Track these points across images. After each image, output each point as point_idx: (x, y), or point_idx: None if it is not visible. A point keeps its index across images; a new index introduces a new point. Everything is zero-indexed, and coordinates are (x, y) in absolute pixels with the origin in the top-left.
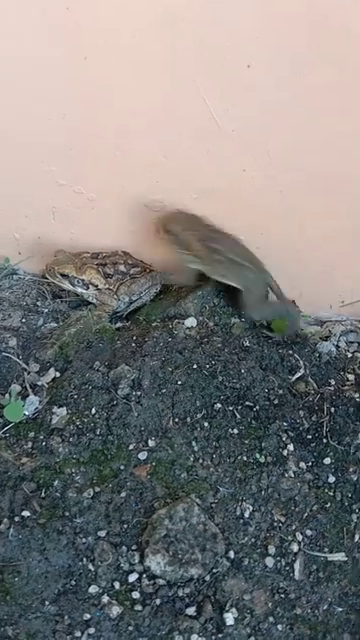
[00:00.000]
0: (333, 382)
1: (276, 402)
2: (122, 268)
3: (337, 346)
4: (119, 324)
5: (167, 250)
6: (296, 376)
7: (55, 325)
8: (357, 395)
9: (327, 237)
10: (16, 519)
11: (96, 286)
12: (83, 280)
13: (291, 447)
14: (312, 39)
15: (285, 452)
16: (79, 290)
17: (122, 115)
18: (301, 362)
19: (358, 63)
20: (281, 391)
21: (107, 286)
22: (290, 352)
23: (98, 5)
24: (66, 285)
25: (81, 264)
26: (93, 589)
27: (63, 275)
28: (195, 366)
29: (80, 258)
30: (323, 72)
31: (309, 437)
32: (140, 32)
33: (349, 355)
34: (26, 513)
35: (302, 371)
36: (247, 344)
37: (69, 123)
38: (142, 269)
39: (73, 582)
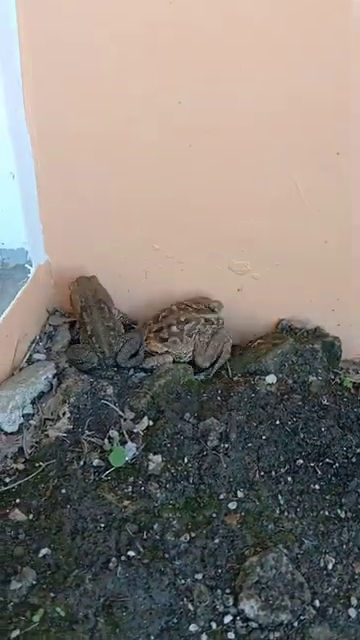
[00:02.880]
0: None
1: (354, 460)
2: (175, 329)
3: None
4: (202, 377)
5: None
6: None
7: (143, 375)
8: None
9: None
10: (122, 558)
11: (157, 352)
12: (146, 351)
13: None
14: None
15: None
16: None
17: (216, 195)
18: None
19: None
20: (359, 450)
21: (165, 349)
22: None
23: (206, 103)
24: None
25: (147, 335)
26: (193, 627)
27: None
28: (278, 422)
29: (145, 326)
30: None
31: None
32: (240, 130)
33: None
34: (131, 553)
35: None
36: (325, 402)
37: (169, 201)
38: (196, 322)
39: (175, 620)
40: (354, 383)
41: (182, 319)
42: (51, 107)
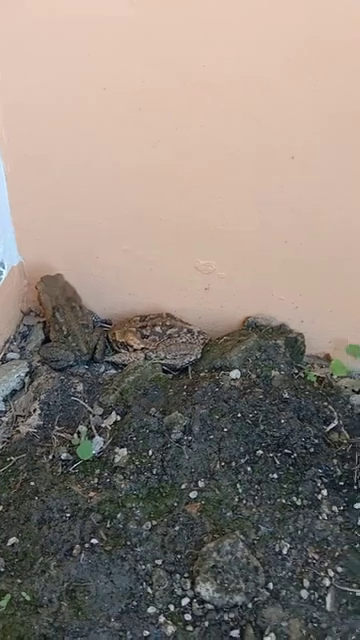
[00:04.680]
0: None
1: (312, 450)
2: (158, 329)
3: None
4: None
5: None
6: (330, 426)
7: (114, 372)
8: None
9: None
10: (86, 545)
11: (132, 347)
12: (122, 342)
13: (325, 492)
14: None
15: (319, 496)
16: (121, 351)
17: (182, 197)
18: (335, 413)
19: None
20: (316, 440)
21: (142, 346)
22: (325, 404)
23: (168, 104)
24: (116, 347)
25: (126, 329)
26: (151, 610)
27: (112, 340)
28: (239, 415)
29: (130, 322)
30: None
31: (341, 483)
32: (203, 131)
33: None
34: (94, 540)
35: (336, 422)
36: (286, 395)
37: (137, 204)
38: (179, 329)
39: (134, 602)
40: (318, 377)
41: (167, 323)
42: (21, 111)
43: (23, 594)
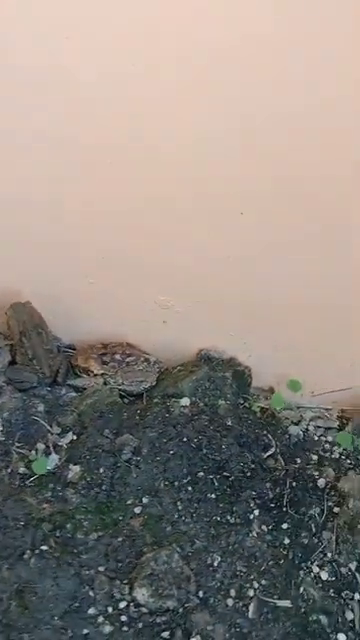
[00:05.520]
0: (299, 460)
1: (248, 474)
2: (118, 357)
3: (306, 430)
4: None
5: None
6: (268, 453)
7: (75, 395)
8: (317, 473)
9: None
10: (36, 551)
11: (92, 372)
12: (83, 367)
13: (257, 512)
14: None
15: (251, 516)
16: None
17: (141, 236)
18: (273, 442)
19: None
20: (253, 465)
21: (102, 372)
22: (265, 432)
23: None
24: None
25: (88, 355)
26: (92, 610)
27: (75, 365)
28: (185, 439)
29: (92, 349)
30: None
31: (272, 505)
32: (160, 169)
33: (315, 438)
34: (44, 547)
35: (273, 449)
36: (229, 423)
37: (99, 240)
38: (137, 357)
39: (77, 604)
40: (261, 408)
41: (127, 352)
42: None
43: None
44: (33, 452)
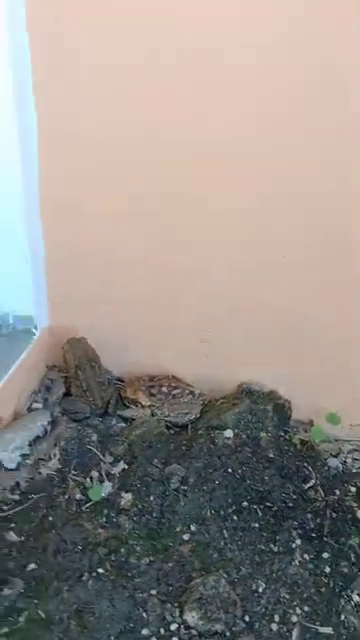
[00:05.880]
0: (337, 492)
1: (290, 505)
2: (165, 389)
3: (344, 462)
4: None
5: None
6: (308, 485)
7: (124, 425)
8: (355, 504)
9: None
10: (93, 574)
11: (140, 403)
12: (132, 399)
13: (298, 541)
14: None
15: (293, 545)
16: (131, 407)
17: (191, 281)
18: (313, 474)
19: None
20: (295, 496)
21: (149, 403)
22: (305, 464)
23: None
24: (127, 403)
25: (136, 387)
26: (145, 631)
27: (124, 396)
28: (230, 470)
29: (139, 381)
30: None
31: (313, 535)
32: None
33: (353, 470)
34: (100, 570)
35: (313, 481)
36: (271, 455)
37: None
38: (182, 390)
39: (131, 624)
40: (301, 440)
41: (173, 385)
42: (61, 198)
43: (39, 612)
44: (88, 480)
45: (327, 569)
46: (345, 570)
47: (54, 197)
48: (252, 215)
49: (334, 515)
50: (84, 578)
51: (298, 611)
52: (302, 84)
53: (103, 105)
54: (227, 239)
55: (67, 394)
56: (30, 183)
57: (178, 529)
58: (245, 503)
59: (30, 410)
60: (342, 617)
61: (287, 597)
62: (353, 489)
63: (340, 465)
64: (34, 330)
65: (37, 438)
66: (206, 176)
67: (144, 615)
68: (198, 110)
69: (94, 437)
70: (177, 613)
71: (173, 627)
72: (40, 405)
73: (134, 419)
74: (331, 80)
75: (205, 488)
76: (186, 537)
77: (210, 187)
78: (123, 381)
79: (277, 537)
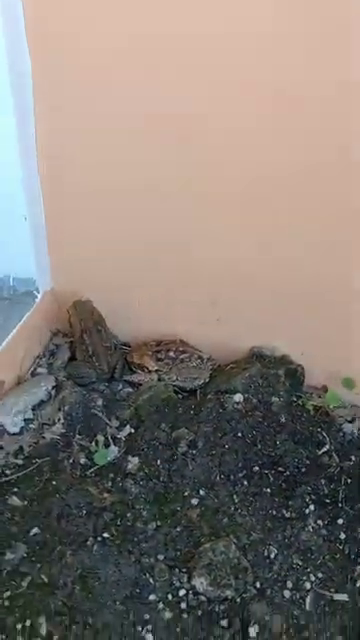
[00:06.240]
0: (353, 458)
1: (303, 470)
2: (172, 354)
3: None
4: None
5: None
6: (322, 450)
7: (130, 390)
8: None
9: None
10: (98, 539)
11: (147, 368)
12: (139, 364)
13: (312, 507)
14: None
15: (307, 511)
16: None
17: (200, 241)
18: (327, 439)
19: None
20: (308, 462)
21: (156, 368)
22: (319, 430)
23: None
24: (133, 368)
25: (143, 352)
26: (152, 597)
27: (130, 361)
28: (240, 434)
29: (146, 346)
30: None
31: (327, 501)
32: (232, 183)
33: None
34: (106, 535)
35: (327, 447)
36: (283, 420)
37: (160, 243)
38: (190, 354)
39: (138, 590)
40: (315, 406)
41: (180, 349)
42: (60, 160)
43: (42, 576)
44: (93, 444)
45: (342, 535)
46: None
47: (52, 150)
48: (268, 167)
49: (349, 481)
50: (89, 543)
51: (312, 578)
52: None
53: (102, 41)
54: (239, 192)
55: (72, 359)
56: (26, 137)
57: (186, 494)
58: (256, 468)
59: (34, 375)
60: (357, 584)
61: (300, 564)
62: None
63: (355, 431)
64: (36, 293)
65: (41, 403)
66: (218, 128)
67: (151, 581)
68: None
69: (99, 402)
70: (185, 579)
71: (181, 593)
72: (44, 370)
73: (141, 384)
74: None
75: (214, 452)
76: (194, 502)
77: (219, 138)
78: (129, 346)
79: (290, 503)
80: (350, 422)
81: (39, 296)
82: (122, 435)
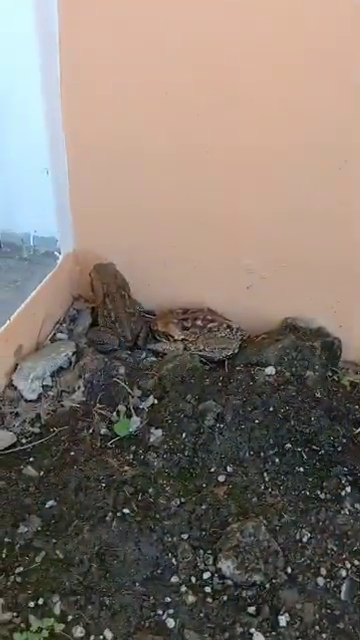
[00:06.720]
0: None
1: (339, 449)
2: (199, 323)
3: None
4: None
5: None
6: (359, 429)
7: (154, 359)
8: None
9: None
10: (118, 514)
11: (172, 337)
12: (163, 332)
13: (349, 489)
14: None
15: (343, 493)
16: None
17: (229, 201)
18: None
19: None
20: (344, 440)
21: (182, 337)
22: (356, 407)
23: (222, 117)
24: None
25: (168, 320)
26: (174, 579)
27: (155, 329)
28: (271, 409)
29: (172, 314)
30: None
31: None
32: (252, 145)
33: None
34: (126, 510)
35: None
36: (318, 395)
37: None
38: (219, 324)
39: (159, 571)
40: (351, 382)
41: (208, 318)
42: (84, 111)
43: (57, 552)
44: (114, 414)
45: None
46: None
47: (77, 103)
48: (318, 135)
49: None
50: (107, 518)
51: (347, 565)
52: None
53: None
54: (277, 159)
55: (94, 325)
56: (51, 91)
57: (213, 470)
58: (288, 445)
59: (53, 341)
60: None
61: (335, 549)
62: None
63: None
64: (57, 254)
65: (60, 369)
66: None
67: (173, 561)
68: None
69: (122, 370)
70: (210, 561)
71: (206, 576)
72: (65, 336)
73: (165, 353)
74: None
75: (243, 427)
76: (221, 479)
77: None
78: (153, 315)
79: (324, 483)
80: None
81: (60, 257)
82: (145, 406)
